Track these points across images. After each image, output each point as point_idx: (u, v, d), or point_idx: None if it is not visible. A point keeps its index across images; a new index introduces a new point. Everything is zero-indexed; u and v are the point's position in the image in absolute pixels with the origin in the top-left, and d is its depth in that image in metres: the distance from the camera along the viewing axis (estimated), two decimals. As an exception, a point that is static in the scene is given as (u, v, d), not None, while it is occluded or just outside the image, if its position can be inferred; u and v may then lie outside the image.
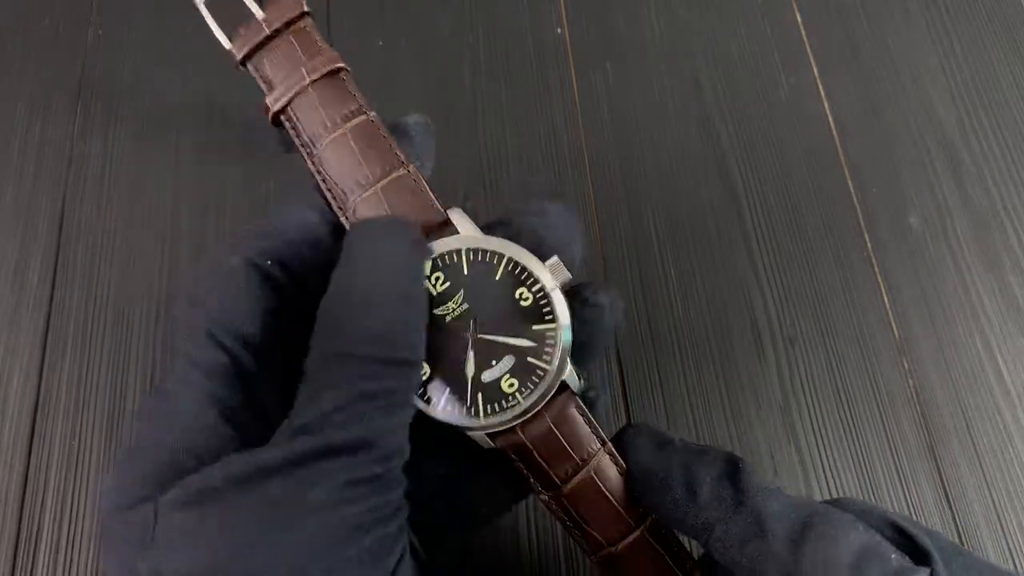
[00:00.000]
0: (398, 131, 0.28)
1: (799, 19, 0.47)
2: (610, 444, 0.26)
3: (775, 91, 0.45)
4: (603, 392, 0.29)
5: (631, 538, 0.25)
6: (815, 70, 0.45)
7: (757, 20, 0.47)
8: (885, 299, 0.40)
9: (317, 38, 0.27)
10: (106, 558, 0.22)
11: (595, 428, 0.26)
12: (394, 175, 0.26)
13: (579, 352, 0.26)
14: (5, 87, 0.44)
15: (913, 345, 0.39)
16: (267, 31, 0.27)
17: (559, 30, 0.46)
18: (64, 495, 0.35)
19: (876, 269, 0.41)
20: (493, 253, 0.25)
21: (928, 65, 0.46)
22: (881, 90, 0.45)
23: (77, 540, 0.35)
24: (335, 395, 0.21)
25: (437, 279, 0.25)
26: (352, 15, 0.46)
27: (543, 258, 0.26)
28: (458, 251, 0.25)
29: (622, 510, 0.25)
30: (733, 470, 0.24)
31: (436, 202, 0.26)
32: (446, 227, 0.26)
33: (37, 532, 0.35)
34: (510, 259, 0.25)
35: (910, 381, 0.39)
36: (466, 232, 0.26)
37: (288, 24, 0.27)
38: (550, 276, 0.25)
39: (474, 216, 0.26)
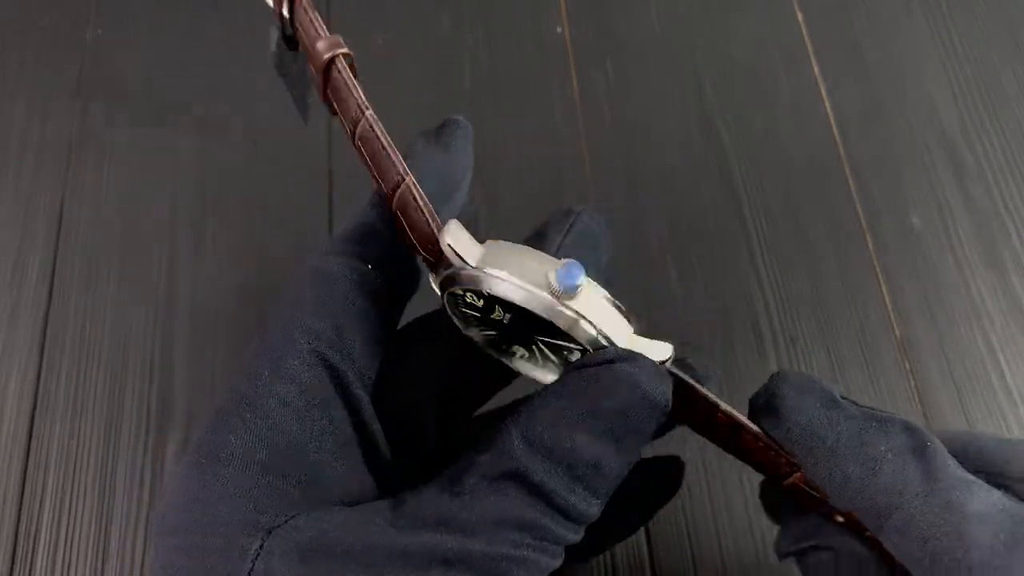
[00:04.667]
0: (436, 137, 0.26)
1: (800, 18, 0.47)
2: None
3: (776, 90, 0.45)
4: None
5: (791, 480, 0.22)
6: (816, 69, 0.45)
7: (758, 19, 0.47)
8: (886, 299, 0.40)
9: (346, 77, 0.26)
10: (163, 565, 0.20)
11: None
12: (397, 193, 0.24)
13: None
14: (5, 86, 0.44)
15: (915, 345, 0.39)
16: (316, 73, 0.25)
17: (559, 29, 0.46)
18: (62, 495, 0.35)
19: (877, 268, 0.41)
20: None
21: (929, 64, 0.46)
22: (882, 89, 0.45)
23: (75, 541, 0.34)
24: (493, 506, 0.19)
25: (468, 294, 0.23)
26: (352, 14, 0.46)
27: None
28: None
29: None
30: (920, 447, 0.19)
31: (431, 220, 0.24)
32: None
33: (35, 532, 0.35)
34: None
35: (912, 381, 0.38)
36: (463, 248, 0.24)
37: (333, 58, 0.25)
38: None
39: (475, 221, 0.26)
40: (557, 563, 0.19)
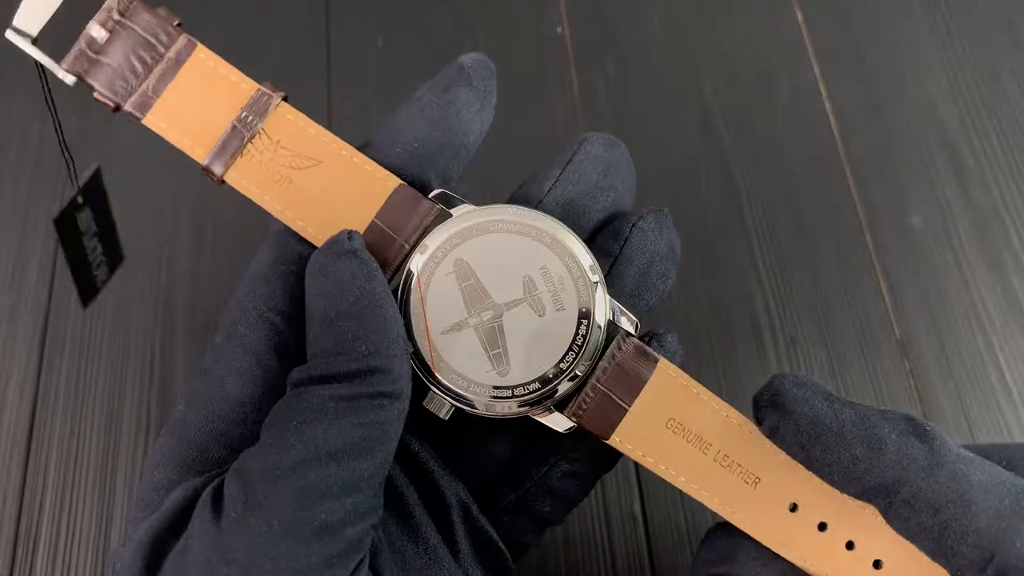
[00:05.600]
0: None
1: (800, 17, 0.47)
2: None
3: (776, 90, 0.45)
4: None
5: None
6: (816, 69, 0.45)
7: (758, 18, 0.47)
8: (886, 299, 0.40)
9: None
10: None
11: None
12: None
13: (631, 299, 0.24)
14: (4, 86, 0.44)
15: (914, 345, 0.39)
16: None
17: (559, 29, 0.46)
18: (63, 495, 0.35)
19: (877, 269, 0.41)
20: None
21: (930, 64, 0.46)
22: (882, 89, 0.45)
23: (75, 540, 0.34)
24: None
25: None
26: (352, 14, 0.46)
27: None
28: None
29: None
30: (920, 431, 0.21)
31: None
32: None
33: (36, 532, 0.35)
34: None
35: (911, 381, 0.38)
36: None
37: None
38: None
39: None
40: (393, 409, 0.21)
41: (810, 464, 0.22)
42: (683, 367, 0.24)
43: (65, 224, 0.25)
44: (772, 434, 0.22)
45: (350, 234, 0.22)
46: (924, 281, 0.40)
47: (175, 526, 0.20)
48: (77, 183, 0.24)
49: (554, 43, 0.46)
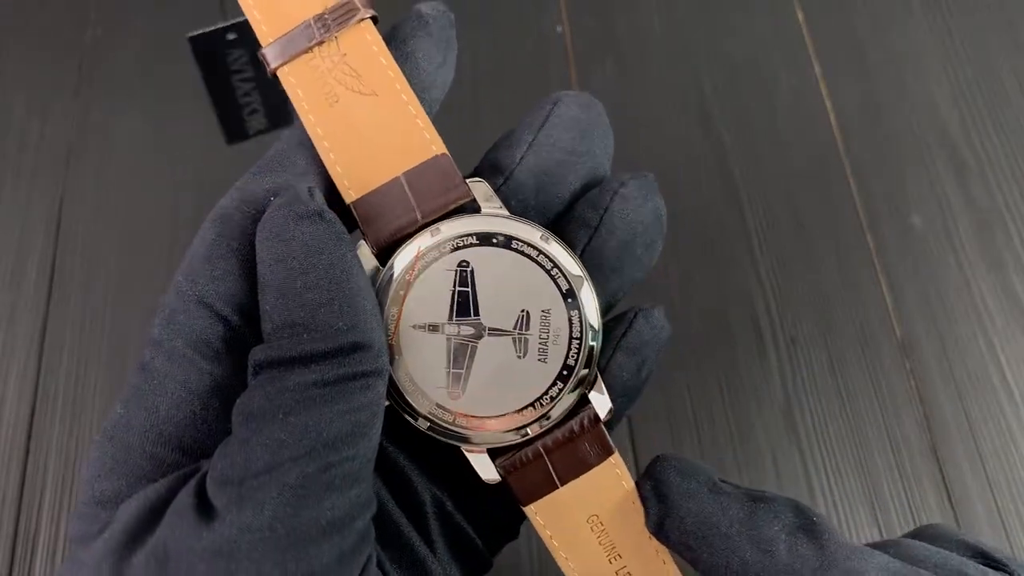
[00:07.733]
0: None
1: (801, 17, 0.47)
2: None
3: (777, 90, 0.45)
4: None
5: None
6: (817, 69, 0.45)
7: (759, 18, 0.47)
8: (887, 299, 0.40)
9: None
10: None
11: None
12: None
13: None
14: (4, 86, 0.44)
15: (915, 345, 0.39)
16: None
17: (559, 29, 0.46)
18: (61, 496, 0.35)
19: (878, 268, 0.41)
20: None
21: (930, 64, 0.46)
22: (883, 89, 0.45)
23: (75, 541, 0.34)
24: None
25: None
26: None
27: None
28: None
29: None
30: (808, 525, 0.20)
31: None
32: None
33: (34, 533, 0.35)
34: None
35: (912, 381, 0.38)
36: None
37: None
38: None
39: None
40: (373, 391, 0.19)
41: (696, 565, 0.20)
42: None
43: (205, 47, 0.23)
44: (657, 531, 0.21)
45: (311, 190, 0.20)
46: (925, 281, 0.40)
47: (133, 542, 0.19)
48: (224, 13, 0.22)
49: (554, 43, 0.46)
